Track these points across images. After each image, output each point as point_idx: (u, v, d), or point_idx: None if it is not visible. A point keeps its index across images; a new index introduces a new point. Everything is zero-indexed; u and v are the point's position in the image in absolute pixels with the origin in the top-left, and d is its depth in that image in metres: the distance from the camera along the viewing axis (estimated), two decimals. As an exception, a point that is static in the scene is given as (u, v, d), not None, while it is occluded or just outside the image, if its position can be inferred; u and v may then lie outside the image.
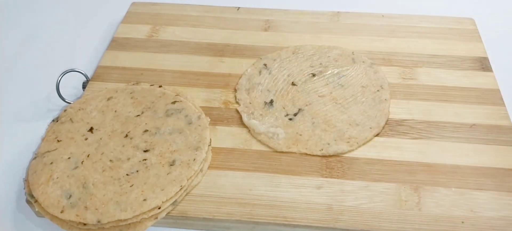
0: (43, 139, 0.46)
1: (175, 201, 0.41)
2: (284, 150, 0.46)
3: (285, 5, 0.65)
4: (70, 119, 0.48)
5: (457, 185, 0.43)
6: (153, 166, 0.43)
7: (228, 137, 0.48)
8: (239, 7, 0.65)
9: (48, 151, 0.45)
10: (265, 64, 0.55)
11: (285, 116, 0.49)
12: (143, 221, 0.40)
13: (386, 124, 0.48)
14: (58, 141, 0.46)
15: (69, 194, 0.41)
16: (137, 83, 0.53)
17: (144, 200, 0.40)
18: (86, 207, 0.40)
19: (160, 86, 0.52)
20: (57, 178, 0.42)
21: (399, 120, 0.49)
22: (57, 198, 0.41)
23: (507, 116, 0.49)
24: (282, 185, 0.43)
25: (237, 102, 0.51)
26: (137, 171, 0.43)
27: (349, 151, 0.46)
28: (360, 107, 0.49)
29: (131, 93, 0.50)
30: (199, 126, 0.46)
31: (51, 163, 0.44)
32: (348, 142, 0.46)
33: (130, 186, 0.41)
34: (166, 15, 0.64)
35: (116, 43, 0.60)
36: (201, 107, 0.50)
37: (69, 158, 0.44)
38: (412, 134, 0.48)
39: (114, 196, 0.41)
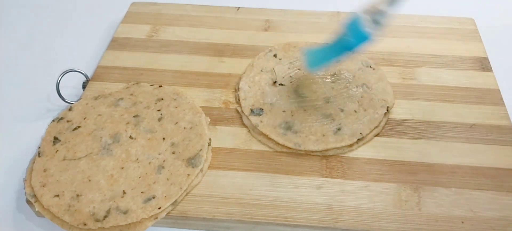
0: (43, 139, 0.46)
1: (175, 201, 0.41)
2: None
3: (285, 5, 0.65)
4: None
5: (457, 185, 0.43)
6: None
7: (228, 137, 0.48)
8: (239, 7, 0.65)
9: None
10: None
11: None
12: (143, 221, 0.40)
13: (386, 123, 0.48)
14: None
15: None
16: (137, 83, 0.53)
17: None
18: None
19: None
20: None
21: (399, 120, 0.49)
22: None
23: (507, 116, 0.49)
24: (282, 185, 0.43)
25: (237, 102, 0.51)
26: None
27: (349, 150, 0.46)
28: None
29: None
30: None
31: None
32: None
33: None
34: (166, 15, 0.64)
35: (116, 43, 0.60)
36: (201, 107, 0.50)
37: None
38: (412, 134, 0.48)
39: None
